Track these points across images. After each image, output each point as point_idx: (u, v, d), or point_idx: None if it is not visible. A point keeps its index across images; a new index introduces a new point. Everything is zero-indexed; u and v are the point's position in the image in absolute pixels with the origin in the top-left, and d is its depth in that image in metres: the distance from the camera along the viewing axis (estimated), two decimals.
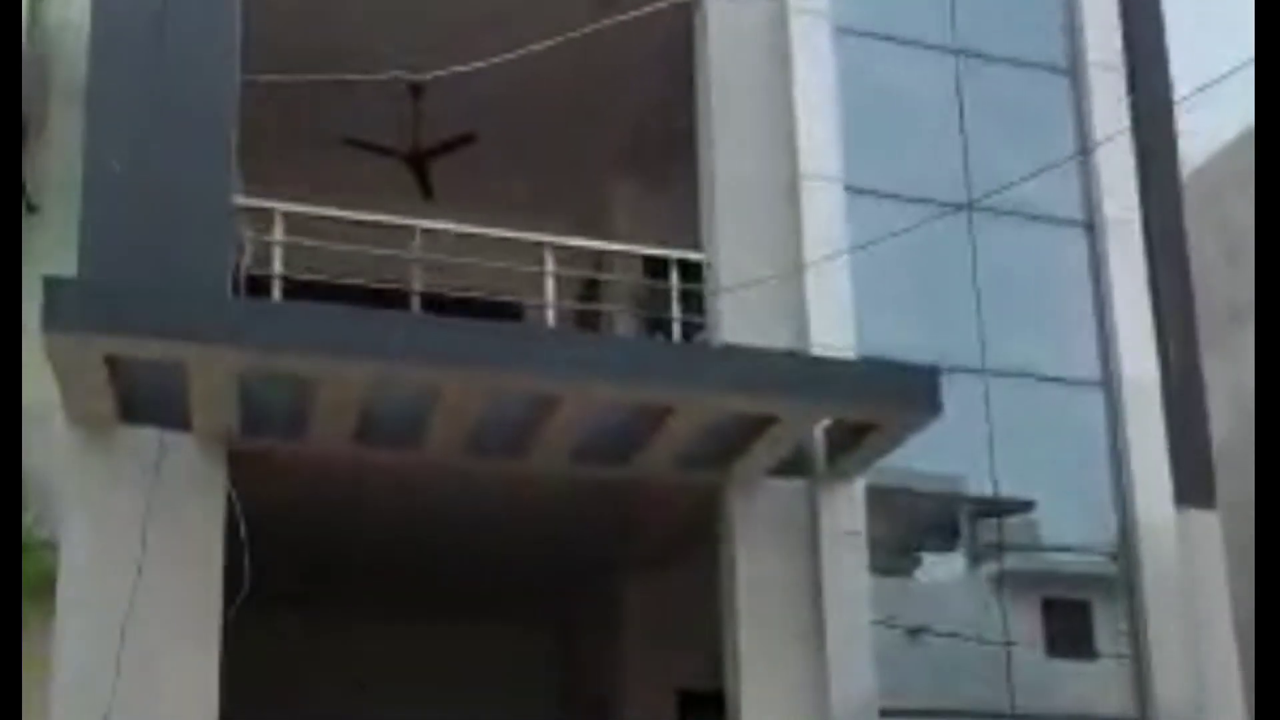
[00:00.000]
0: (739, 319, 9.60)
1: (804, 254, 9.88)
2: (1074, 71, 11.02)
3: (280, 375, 8.05)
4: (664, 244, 10.03)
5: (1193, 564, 10.29)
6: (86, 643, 8.02)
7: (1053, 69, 11.06)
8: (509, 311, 10.42)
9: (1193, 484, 10.47)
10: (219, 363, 7.57)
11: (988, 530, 10.38)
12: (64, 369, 7.60)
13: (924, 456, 9.52)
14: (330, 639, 11.59)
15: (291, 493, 9.18)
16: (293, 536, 9.38)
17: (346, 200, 9.33)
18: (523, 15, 10.09)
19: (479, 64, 9.69)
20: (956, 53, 10.82)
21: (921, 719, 9.47)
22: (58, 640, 8.05)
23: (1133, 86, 10.97)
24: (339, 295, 8.69)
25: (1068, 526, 10.55)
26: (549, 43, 9.75)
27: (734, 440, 9.05)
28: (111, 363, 7.64)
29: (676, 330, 9.82)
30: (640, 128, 11.76)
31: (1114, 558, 10.39)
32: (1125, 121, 10.71)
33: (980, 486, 10.20)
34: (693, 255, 9.92)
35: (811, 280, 9.84)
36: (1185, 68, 11.09)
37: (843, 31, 10.45)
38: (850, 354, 9.65)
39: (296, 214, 9.13)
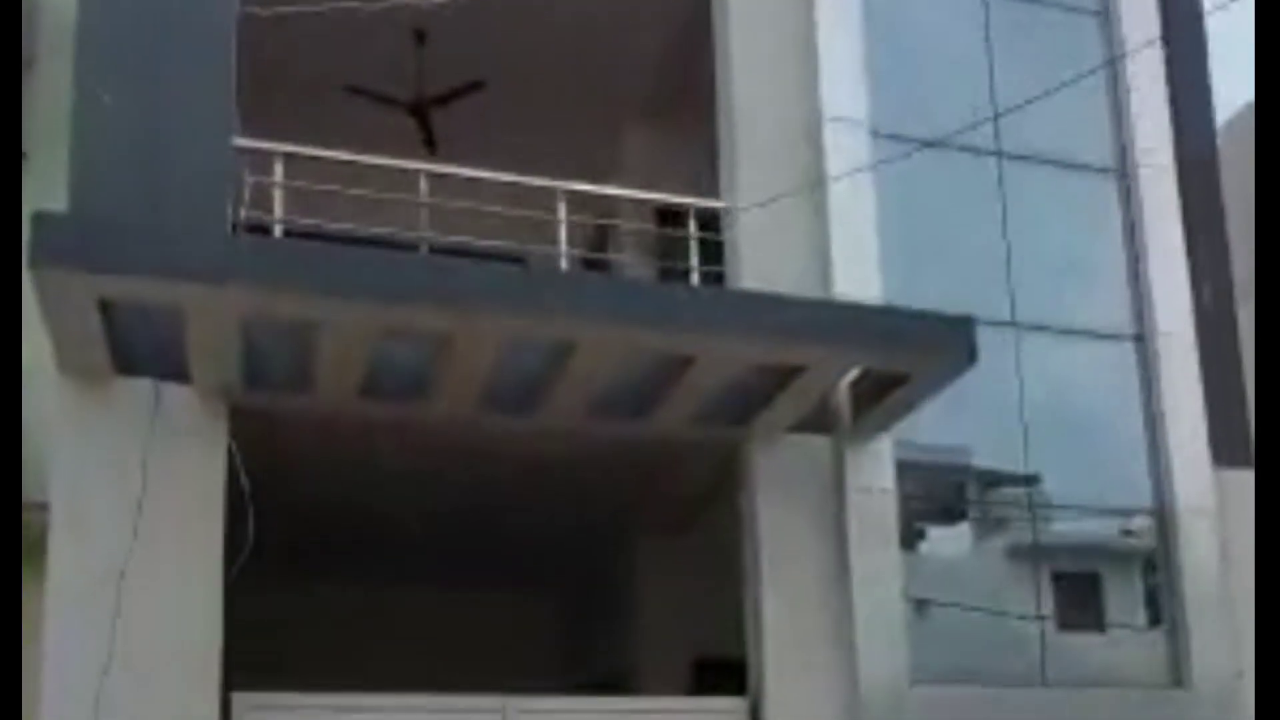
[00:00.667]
0: (759, 270, 9.18)
1: (828, 201, 9.48)
2: (1106, 11, 10.61)
3: (284, 323, 7.62)
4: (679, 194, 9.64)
5: (1231, 525, 9.90)
6: (79, 607, 7.59)
7: (1084, 10, 10.63)
8: (517, 263, 9.99)
9: (1230, 442, 10.09)
10: (220, 306, 7.12)
11: (1011, 496, 10.01)
12: (54, 313, 7.14)
13: (947, 415, 9.14)
14: (331, 603, 11.20)
15: (294, 451, 8.77)
16: (295, 496, 8.99)
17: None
18: None
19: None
20: None
21: (954, 687, 9.06)
22: (49, 604, 7.62)
23: (1167, 28, 10.55)
24: (342, 244, 8.28)
25: (1097, 490, 10.15)
26: None
27: (756, 394, 8.63)
28: (105, 307, 7.19)
29: (694, 281, 9.41)
30: (654, 74, 11.33)
31: (1148, 520, 10.00)
32: (1159, 65, 10.31)
33: (1006, 447, 9.80)
34: (712, 203, 9.51)
35: (836, 232, 9.45)
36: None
37: None
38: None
39: (298, 158, 8.69)
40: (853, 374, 8.78)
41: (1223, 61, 11.13)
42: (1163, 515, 9.97)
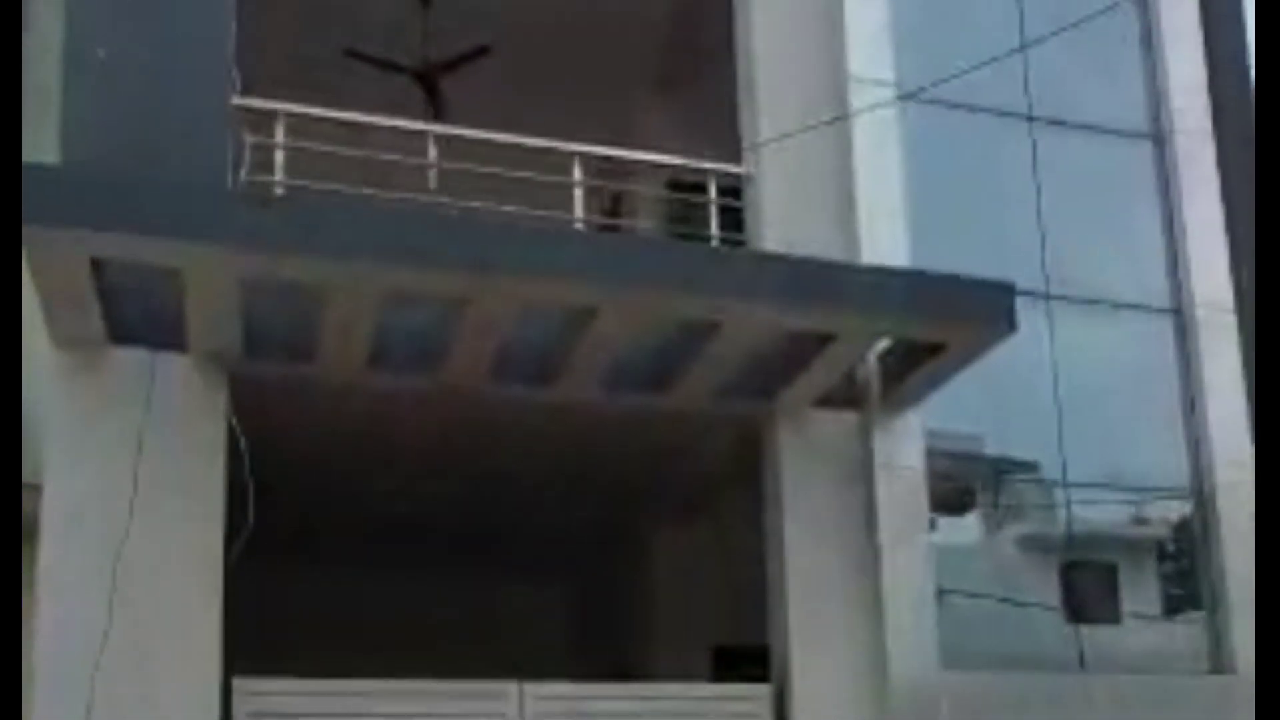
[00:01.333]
0: (782, 239, 8.75)
1: (853, 168, 9.07)
2: None
3: (287, 288, 7.21)
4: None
5: None
6: (73, 591, 7.17)
7: None
8: None
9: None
10: (220, 267, 6.70)
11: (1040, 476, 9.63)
12: (44, 275, 6.71)
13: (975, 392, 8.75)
14: (334, 588, 10.78)
15: (296, 426, 8.35)
16: (295, 476, 8.57)
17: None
18: None
19: None
20: None
21: (988, 673, 8.66)
22: (41, 589, 7.20)
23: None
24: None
25: (1131, 469, 9.74)
26: None
27: (781, 366, 8.24)
28: (98, 269, 6.78)
29: None
30: (665, 40, 10.90)
31: (1189, 501, 9.62)
32: (1196, 27, 9.93)
33: (1035, 425, 9.38)
34: (731, 168, 9.10)
35: (862, 200, 9.05)
36: None
37: None
38: None
39: (302, 123, 8.25)
40: (881, 346, 8.39)
41: None
42: (1201, 495, 9.59)
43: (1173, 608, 9.68)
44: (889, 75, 9.28)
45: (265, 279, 7.02)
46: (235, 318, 7.23)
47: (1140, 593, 9.70)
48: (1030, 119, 9.65)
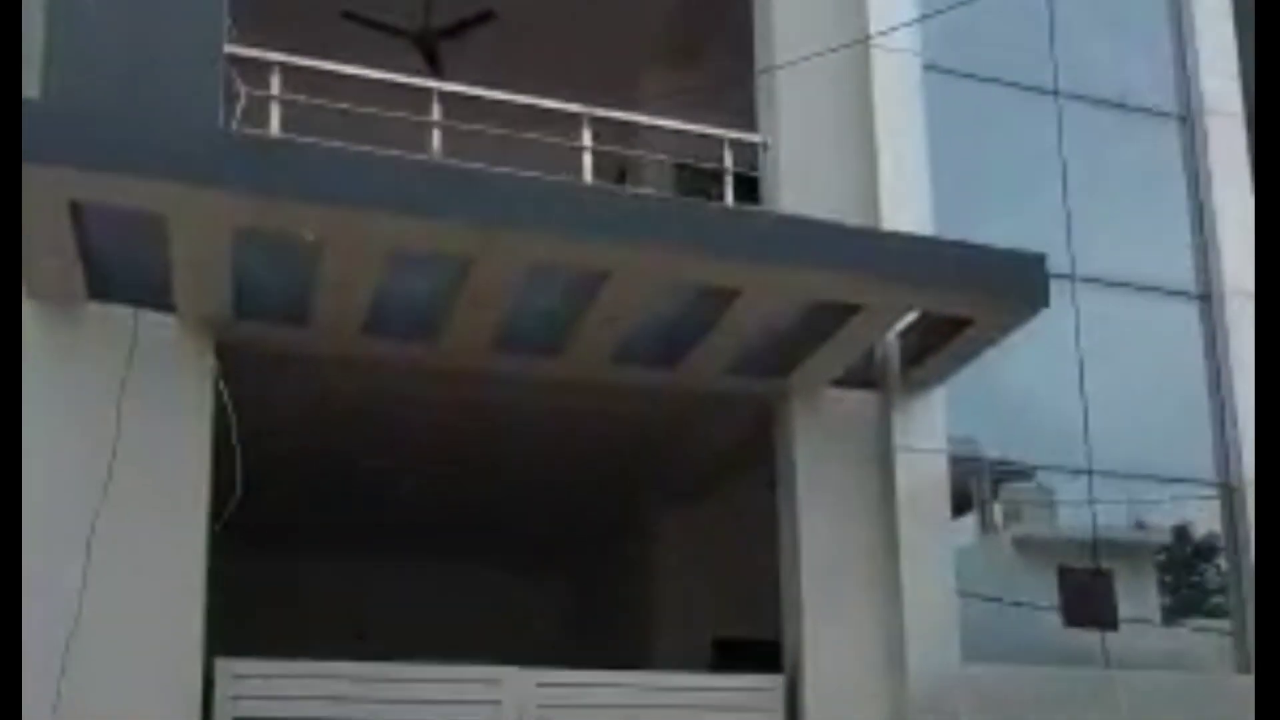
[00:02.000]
0: (802, 207, 8.36)
1: (875, 139, 8.68)
2: None
3: (282, 243, 6.77)
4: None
5: None
6: (44, 567, 6.63)
7: None
8: None
9: None
10: (208, 212, 6.23)
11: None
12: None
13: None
14: (322, 570, 10.35)
15: (287, 394, 7.92)
16: (284, 451, 8.15)
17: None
18: None
19: None
20: None
21: (1010, 666, 8.25)
22: None
23: None
24: None
25: (1158, 460, 9.34)
26: None
27: (797, 341, 7.85)
28: (78, 214, 6.33)
29: None
30: (675, 8, 10.51)
31: (1214, 492, 9.22)
32: (1228, 10, 9.58)
33: (1064, 406, 8.99)
34: (748, 136, 8.69)
35: (885, 172, 8.66)
36: None
37: None
38: None
39: (299, 75, 7.83)
40: (904, 321, 7.98)
41: None
42: (1228, 488, 9.20)
43: (1196, 606, 9.31)
44: (913, 42, 8.88)
45: (259, 231, 6.57)
46: (225, 274, 6.78)
47: (1164, 590, 9.34)
48: (1056, 94, 9.25)
